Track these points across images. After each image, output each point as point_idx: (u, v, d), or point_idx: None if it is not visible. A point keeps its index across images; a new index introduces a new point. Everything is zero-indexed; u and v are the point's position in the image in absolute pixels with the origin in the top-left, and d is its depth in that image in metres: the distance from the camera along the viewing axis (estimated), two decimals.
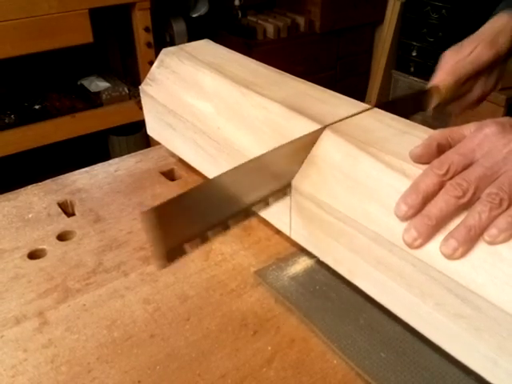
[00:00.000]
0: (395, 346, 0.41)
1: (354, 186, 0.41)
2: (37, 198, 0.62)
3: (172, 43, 1.98)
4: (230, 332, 0.43)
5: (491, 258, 0.33)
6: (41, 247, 0.54)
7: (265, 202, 0.44)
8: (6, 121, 1.62)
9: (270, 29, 2.12)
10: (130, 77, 1.93)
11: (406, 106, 0.56)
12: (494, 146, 0.37)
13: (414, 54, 2.30)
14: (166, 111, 0.62)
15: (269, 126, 0.50)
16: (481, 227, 0.34)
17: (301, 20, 2.21)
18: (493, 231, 0.33)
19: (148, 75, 0.66)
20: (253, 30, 2.10)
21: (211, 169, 0.58)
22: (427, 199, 0.36)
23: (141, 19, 1.68)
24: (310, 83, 0.56)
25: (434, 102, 0.58)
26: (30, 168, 1.73)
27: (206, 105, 0.57)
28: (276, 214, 0.50)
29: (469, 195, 0.35)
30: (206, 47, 0.68)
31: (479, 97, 0.63)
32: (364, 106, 0.50)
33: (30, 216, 0.59)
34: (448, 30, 2.11)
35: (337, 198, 0.42)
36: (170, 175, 0.67)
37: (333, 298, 0.46)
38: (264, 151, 0.47)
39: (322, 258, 0.47)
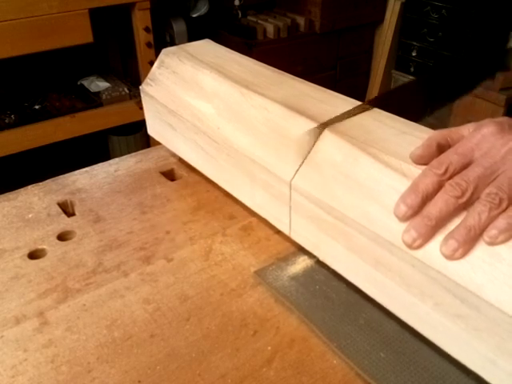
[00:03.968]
0: (395, 345, 0.41)
1: (354, 186, 0.41)
2: (37, 198, 0.62)
3: (172, 43, 1.98)
4: (230, 332, 0.44)
5: (490, 259, 0.33)
6: (41, 247, 0.54)
7: None
8: (6, 121, 1.62)
9: (270, 29, 2.12)
10: (130, 77, 1.93)
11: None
12: (493, 146, 0.37)
13: (413, 54, 2.30)
14: (166, 111, 0.62)
15: (268, 126, 0.50)
16: (481, 227, 0.34)
17: (301, 20, 2.21)
18: (493, 232, 0.33)
19: (148, 75, 0.66)
20: (253, 30, 2.09)
21: (211, 169, 0.59)
22: (426, 199, 0.36)
23: (141, 19, 1.68)
24: (310, 83, 0.56)
25: None
26: (30, 168, 1.73)
27: (206, 105, 0.57)
28: (276, 214, 0.50)
29: (468, 195, 0.35)
30: (206, 47, 0.68)
31: None
32: (364, 106, 0.50)
33: (30, 216, 0.59)
34: (448, 29, 2.11)
35: (336, 198, 0.42)
36: (170, 175, 0.67)
37: (333, 298, 0.46)
38: (264, 151, 0.47)
39: (321, 258, 0.47)
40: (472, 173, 0.36)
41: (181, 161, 0.68)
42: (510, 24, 1.95)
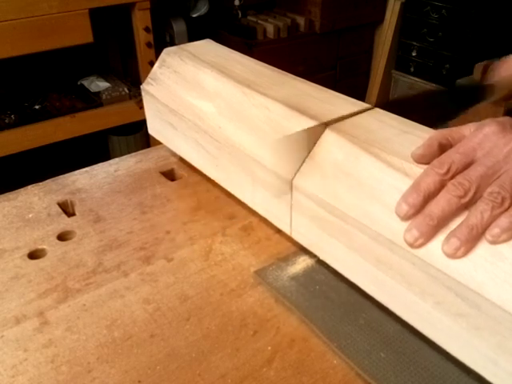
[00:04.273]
0: (395, 345, 0.41)
1: (355, 185, 0.41)
2: (37, 197, 0.62)
3: (172, 43, 1.98)
4: (230, 332, 0.43)
5: (492, 257, 0.33)
6: (41, 247, 0.54)
7: None
8: (6, 121, 1.62)
9: (270, 29, 2.12)
10: (130, 77, 1.94)
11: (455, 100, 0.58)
12: (495, 145, 0.37)
13: (413, 54, 2.30)
14: (167, 111, 0.62)
15: (270, 125, 0.50)
16: (483, 226, 0.34)
17: (301, 20, 2.21)
18: (495, 231, 0.33)
19: (149, 75, 0.66)
20: (253, 30, 2.10)
21: (212, 168, 0.58)
22: (428, 198, 0.36)
23: (141, 19, 1.68)
24: (312, 83, 0.56)
25: (493, 96, 0.61)
26: (30, 168, 1.73)
27: (208, 104, 0.57)
28: (276, 213, 0.50)
29: (470, 194, 0.35)
30: (207, 47, 0.68)
31: None
32: (365, 105, 0.50)
33: (30, 216, 0.59)
34: (448, 30, 2.11)
35: (338, 197, 0.42)
36: (170, 175, 0.67)
37: (333, 298, 0.46)
38: (265, 151, 0.47)
39: (322, 257, 0.47)
40: (474, 172, 0.36)
41: (181, 161, 0.68)
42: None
